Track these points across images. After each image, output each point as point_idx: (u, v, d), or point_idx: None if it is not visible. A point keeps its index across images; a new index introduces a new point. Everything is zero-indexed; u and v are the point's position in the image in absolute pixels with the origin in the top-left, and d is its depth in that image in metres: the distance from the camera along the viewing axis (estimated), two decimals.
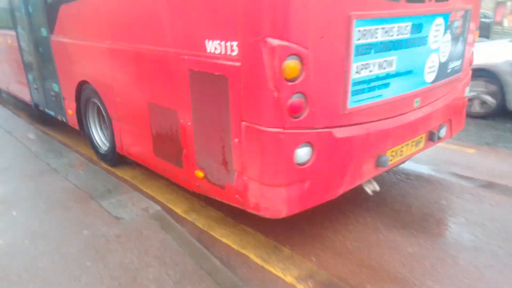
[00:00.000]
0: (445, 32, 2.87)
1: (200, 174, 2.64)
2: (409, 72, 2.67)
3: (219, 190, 2.58)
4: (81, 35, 3.63)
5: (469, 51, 3.38)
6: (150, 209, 2.94)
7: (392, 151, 2.78)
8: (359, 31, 2.21)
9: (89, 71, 3.69)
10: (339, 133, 2.33)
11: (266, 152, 2.20)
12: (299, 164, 2.21)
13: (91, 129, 4.05)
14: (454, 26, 2.99)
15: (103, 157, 3.95)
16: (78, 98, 4.01)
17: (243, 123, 2.22)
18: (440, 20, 2.77)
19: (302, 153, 2.20)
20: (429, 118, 3.01)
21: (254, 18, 2.03)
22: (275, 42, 1.97)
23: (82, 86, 3.85)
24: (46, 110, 4.92)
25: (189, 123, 2.60)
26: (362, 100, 2.39)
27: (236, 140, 2.28)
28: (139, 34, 2.87)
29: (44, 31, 4.23)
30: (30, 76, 5.04)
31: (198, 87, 2.45)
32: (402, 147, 2.87)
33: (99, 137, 4.03)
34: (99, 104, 3.74)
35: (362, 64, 2.31)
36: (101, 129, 4.01)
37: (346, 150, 2.42)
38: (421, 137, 3.03)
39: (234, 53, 2.15)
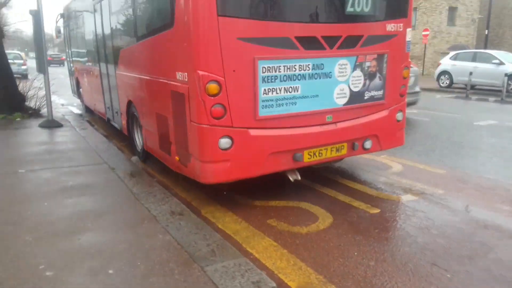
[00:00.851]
0: (353, 70, 4.08)
1: (177, 158, 4.12)
2: (316, 96, 3.93)
3: (185, 168, 4.01)
4: (128, 70, 5.55)
5: (396, 84, 4.48)
6: (263, 285, 2.57)
7: (309, 152, 4.02)
8: (263, 67, 3.57)
9: (131, 93, 5.55)
10: (253, 132, 3.69)
11: (200, 140, 3.61)
12: (222, 149, 3.58)
13: (134, 134, 5.87)
14: (366, 66, 4.16)
15: (139, 153, 5.75)
16: (127, 113, 5.87)
17: (191, 122, 3.66)
18: (344, 61, 4.00)
19: (224, 142, 3.57)
20: (346, 131, 4.17)
21: (192, 60, 3.51)
22: (201, 73, 3.44)
23: (129, 104, 5.70)
24: (112, 123, 7.13)
25: (172, 124, 4.11)
26: (272, 112, 3.72)
27: (189, 133, 3.72)
28: (149, 69, 4.70)
29: (112, 67, 6.31)
30: (105, 98, 7.24)
31: (174, 100, 3.99)
32: (320, 150, 4.09)
33: (138, 139, 5.75)
34: (136, 116, 5.50)
35: (268, 89, 3.65)
36: (138, 133, 5.72)
37: (260, 144, 3.73)
38: (342, 145, 4.22)
39: (186, 79, 3.66)
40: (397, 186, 4.64)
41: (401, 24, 4.39)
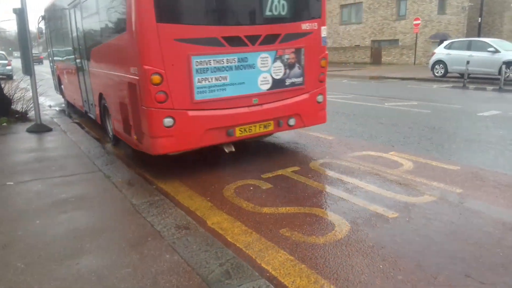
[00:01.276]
0: (273, 61, 5.01)
1: (135, 137, 4.93)
2: (242, 83, 4.85)
3: (141, 145, 4.85)
4: (97, 66, 6.37)
5: (315, 72, 5.46)
6: None
7: (240, 128, 4.95)
8: (196, 61, 4.48)
9: (101, 87, 6.35)
10: (191, 113, 4.57)
11: (149, 121, 4.46)
12: (166, 127, 4.45)
13: (105, 122, 6.69)
14: (285, 58, 5.09)
15: (110, 138, 6.63)
16: (99, 104, 6.66)
17: (141, 107, 4.51)
18: (265, 55, 4.94)
19: (167, 121, 4.43)
20: (271, 111, 5.11)
21: (139, 57, 4.34)
22: (146, 67, 4.29)
23: (100, 97, 6.49)
24: (89, 114, 7.94)
25: (130, 110, 4.92)
26: (205, 96, 4.62)
27: (141, 116, 4.55)
28: (112, 66, 5.47)
29: (86, 65, 7.13)
30: (82, 93, 8.06)
31: (130, 90, 4.78)
32: (250, 126, 5.02)
33: (109, 126, 6.54)
34: (106, 106, 6.26)
35: (201, 78, 4.56)
36: (108, 122, 6.49)
37: (198, 122, 4.62)
38: (269, 123, 5.16)
39: (136, 73, 4.47)
40: (412, 186, 4.40)
41: (316, 24, 5.38)
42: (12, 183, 4.50)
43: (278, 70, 5.13)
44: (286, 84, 5.25)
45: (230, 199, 4.22)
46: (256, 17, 4.98)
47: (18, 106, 8.88)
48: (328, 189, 4.38)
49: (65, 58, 9.36)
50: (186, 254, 2.88)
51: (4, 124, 8.08)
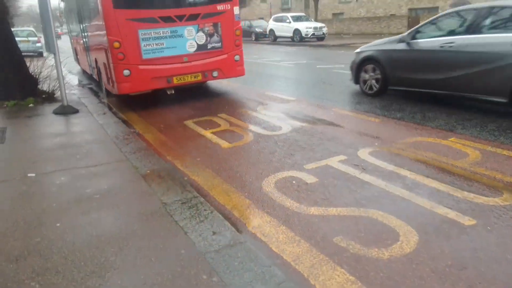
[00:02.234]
0: (197, 32, 7.29)
1: (111, 85, 7.49)
2: (175, 47, 7.18)
3: (113, 89, 7.41)
4: (91, 41, 9.08)
5: (231, 39, 7.71)
6: None
7: (176, 78, 7.31)
8: (142, 33, 6.88)
9: (95, 54, 8.82)
10: (141, 67, 7.01)
11: (115, 72, 6.98)
12: (125, 76, 6.94)
13: (100, 80, 9.01)
14: (206, 30, 7.35)
15: (103, 91, 8.95)
16: (96, 67, 9.11)
17: (111, 63, 7.08)
18: (190, 28, 7.22)
19: (125, 72, 6.92)
20: (198, 66, 7.45)
21: (106, 31, 6.85)
22: (110, 37, 6.81)
23: (96, 61, 8.93)
24: (93, 75, 10.47)
25: (108, 67, 7.32)
26: (149, 56, 7.01)
27: (112, 70, 7.02)
28: (98, 39, 7.88)
29: (87, 39, 9.81)
30: (88, 60, 10.60)
31: (106, 54, 7.25)
32: (183, 76, 7.37)
33: (101, 82, 8.82)
34: (99, 67, 8.65)
35: (146, 44, 6.96)
36: (101, 79, 8.77)
37: (146, 73, 7.05)
38: (197, 74, 7.51)
39: (106, 41, 6.98)
40: (485, 182, 3.74)
41: (229, 5, 7.61)
42: (34, 174, 4.15)
43: (201, 38, 7.49)
44: (208, 47, 7.62)
45: (271, 195, 3.72)
46: (182, 2, 7.34)
47: (45, 86, 8.60)
48: (384, 185, 3.78)
49: (76, 34, 12.28)
50: (227, 276, 2.39)
51: (31, 105, 7.82)
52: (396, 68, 7.09)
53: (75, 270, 2.49)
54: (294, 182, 3.98)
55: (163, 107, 7.83)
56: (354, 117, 6.27)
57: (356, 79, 7.96)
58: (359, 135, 5.38)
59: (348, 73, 8.65)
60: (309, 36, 25.39)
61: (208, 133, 5.79)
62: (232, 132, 5.79)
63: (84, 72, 13.29)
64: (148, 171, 4.15)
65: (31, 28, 29.07)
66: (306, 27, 25.59)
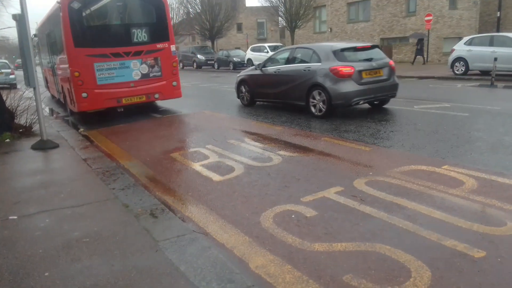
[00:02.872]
0: (141, 64, 9.64)
1: (73, 105, 9.74)
2: (123, 76, 9.46)
3: (74, 108, 9.66)
4: (59, 70, 11.06)
5: (169, 69, 10.10)
6: None
7: (125, 99, 9.56)
8: (96, 65, 9.16)
9: (61, 82, 10.99)
10: (96, 90, 9.21)
11: (75, 94, 9.23)
12: (83, 98, 9.15)
13: (65, 101, 10.96)
14: (148, 62, 9.72)
15: (68, 111, 11.07)
16: (62, 91, 11.24)
17: (72, 88, 9.36)
18: (135, 61, 9.57)
19: (84, 95, 9.11)
20: (142, 90, 9.70)
21: (69, 64, 9.18)
22: (72, 68, 9.07)
23: (62, 87, 11.02)
24: (60, 99, 12.29)
25: (71, 91, 9.48)
26: (103, 82, 9.23)
27: (73, 93, 9.31)
28: (62, 69, 10.34)
29: (54, 68, 12.08)
30: (56, 87, 12.66)
31: (68, 81, 9.56)
32: (130, 98, 9.59)
33: (67, 104, 10.79)
34: (64, 92, 10.80)
35: (100, 73, 9.22)
36: (67, 101, 10.71)
37: (100, 95, 9.21)
38: (142, 96, 9.75)
39: (69, 71, 9.25)
40: (487, 211, 3.71)
41: (166, 44, 9.96)
42: (15, 217, 3.87)
43: (144, 69, 9.73)
44: (150, 76, 9.85)
45: (271, 231, 3.56)
46: (128, 41, 9.55)
47: (22, 120, 8.28)
48: (386, 217, 3.70)
49: (46, 65, 14.68)
50: None
51: (7, 140, 7.47)
52: (255, 86, 10.65)
53: None
54: (293, 216, 3.85)
55: (146, 140, 7.64)
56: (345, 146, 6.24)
57: (238, 95, 11.50)
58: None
59: None
60: None
61: (197, 166, 5.62)
62: (221, 164, 5.65)
63: (53, 97, 15.53)
64: (140, 209, 3.93)
65: (4, 60, 28.51)
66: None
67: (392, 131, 7.05)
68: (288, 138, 7.00)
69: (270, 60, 10.44)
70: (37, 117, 7.16)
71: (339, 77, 8.16)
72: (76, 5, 8.90)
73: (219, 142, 6.99)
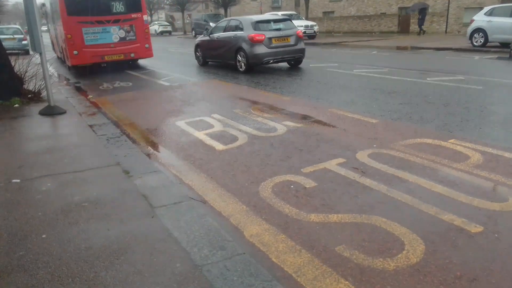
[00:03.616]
0: (119, 30, 12.62)
1: (68, 62, 13.17)
2: (105, 38, 12.47)
3: (69, 63, 12.90)
4: (59, 34, 14.44)
5: (142, 35, 13.01)
6: None
7: (107, 56, 12.57)
8: (85, 30, 12.16)
9: (61, 44, 14.15)
10: (84, 49, 12.20)
11: (69, 52, 12.34)
12: (75, 55, 12.21)
13: (64, 58, 14.03)
14: (125, 28, 12.70)
15: (67, 67, 14.08)
16: (61, 51, 14.68)
17: (66, 47, 12.51)
18: (115, 27, 12.55)
19: (75, 52, 12.19)
20: (120, 50, 12.68)
21: (63, 28, 12.31)
22: (66, 32, 12.13)
23: (61, 47, 14.21)
24: (61, 58, 15.43)
25: (66, 50, 12.67)
26: (89, 43, 12.26)
27: (68, 51, 12.41)
28: (61, 33, 13.29)
29: (57, 33, 15.01)
30: (58, 47, 15.68)
31: (64, 42, 12.66)
32: (111, 56, 12.63)
33: (66, 61, 13.87)
34: (63, 51, 14.01)
35: (87, 37, 12.24)
36: (65, 58, 13.88)
37: (87, 53, 12.25)
38: (120, 55, 12.75)
39: (65, 34, 12.32)
40: (489, 186, 3.64)
41: (140, 14, 12.73)
42: (18, 180, 3.93)
43: (122, 33, 12.51)
44: (127, 39, 12.62)
45: (269, 200, 3.57)
46: (109, 12, 12.26)
47: (30, 85, 8.33)
48: (385, 190, 3.66)
49: (52, 30, 17.40)
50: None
51: (16, 105, 7.55)
52: (205, 50, 13.52)
53: (61, 287, 2.31)
54: (292, 186, 3.83)
55: (155, 108, 7.63)
56: (350, 118, 6.16)
57: (195, 56, 14.42)
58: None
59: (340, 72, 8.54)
60: None
61: (201, 135, 5.61)
62: (226, 133, 5.62)
63: (58, 58, 17.80)
64: (140, 176, 3.96)
65: (17, 26, 28.48)
66: (297, 25, 25.47)
67: (401, 104, 6.89)
68: (294, 108, 6.92)
69: (215, 28, 13.18)
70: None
71: (253, 42, 11.07)
72: None
73: (224, 111, 6.94)
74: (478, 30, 15.47)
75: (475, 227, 2.99)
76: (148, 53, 13.38)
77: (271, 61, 11.34)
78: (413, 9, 26.68)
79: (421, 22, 25.10)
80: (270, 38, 11.08)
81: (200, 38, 14.05)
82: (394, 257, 2.69)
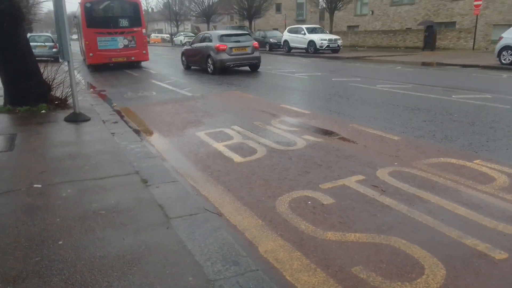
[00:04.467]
0: (124, 39, 17.76)
1: (86, 60, 18.53)
2: (113, 45, 17.58)
3: (86, 62, 18.64)
4: (82, 43, 20.09)
5: (141, 43, 18.22)
6: None
7: (114, 58, 17.63)
8: (99, 39, 17.26)
9: (83, 48, 19.17)
10: (98, 52, 17.32)
11: (86, 54, 17.90)
12: (90, 56, 17.39)
13: (84, 58, 19.60)
14: (128, 38, 17.83)
15: (87, 66, 18.68)
16: (83, 53, 21.04)
17: (85, 50, 17.97)
18: (120, 37, 17.71)
19: (91, 54, 17.37)
20: (124, 55, 17.78)
21: (84, 37, 17.92)
22: (84, 39, 17.58)
23: (83, 50, 19.46)
24: (83, 58, 21.05)
25: (86, 52, 18.07)
26: (101, 48, 17.35)
27: (87, 53, 17.76)
28: (83, 41, 18.81)
29: (82, 41, 19.44)
30: (82, 51, 21.11)
31: (85, 47, 17.97)
32: (117, 58, 17.69)
33: (84, 59, 19.71)
34: (84, 53, 19.64)
35: (100, 43, 17.32)
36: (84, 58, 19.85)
37: (100, 55, 17.37)
38: (124, 58, 17.81)
39: (84, 41, 17.96)
40: None
41: (140, 28, 17.90)
42: (40, 185, 4.01)
43: (125, 42, 17.49)
44: (129, 46, 17.57)
45: (285, 216, 3.52)
46: (117, 26, 17.26)
47: (58, 92, 8.56)
48: (406, 210, 3.56)
49: (80, 38, 21.68)
50: None
51: (43, 111, 7.76)
52: (188, 56, 17.15)
53: None
54: (309, 202, 3.77)
55: (174, 117, 7.71)
56: (371, 134, 6.06)
57: (181, 62, 18.06)
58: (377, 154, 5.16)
59: (364, 86, 8.46)
60: (323, 48, 25.28)
61: (220, 146, 5.62)
62: (245, 145, 5.62)
63: (83, 60, 20.84)
64: (157, 186, 3.98)
65: (48, 34, 29.52)
66: (321, 39, 25.50)
67: (425, 121, 6.74)
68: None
69: (196, 39, 17.04)
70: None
71: (218, 51, 14.42)
72: (88, 4, 16.87)
73: (245, 123, 6.95)
74: (507, 47, 15.11)
75: (500, 253, 2.86)
76: (145, 57, 18.41)
77: (232, 65, 14.73)
78: (420, 25, 28.51)
79: (428, 39, 26.94)
80: (231, 48, 14.47)
81: (185, 47, 18.16)
82: (413, 281, 2.59)
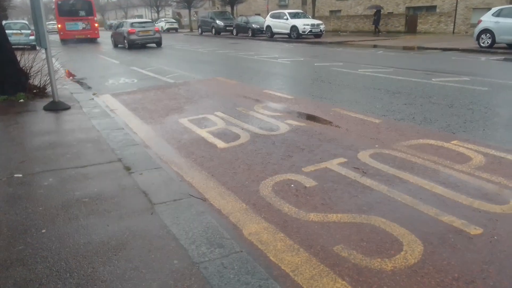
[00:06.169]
0: (82, 24, 29.99)
1: (60, 36, 30.60)
2: (76, 27, 29.83)
3: (59, 37, 32.00)
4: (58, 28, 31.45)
5: (94, 27, 30.33)
6: None
7: (77, 36, 29.53)
8: (67, 24, 29.54)
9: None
10: (66, 31, 29.36)
11: (59, 34, 30.55)
12: (61, 35, 29.65)
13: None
14: (85, 23, 30.11)
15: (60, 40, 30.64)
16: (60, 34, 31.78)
17: (59, 31, 30.57)
18: (80, 23, 29.93)
19: (61, 34, 29.68)
20: (83, 33, 29.64)
21: (57, 22, 30.77)
22: (57, 23, 30.67)
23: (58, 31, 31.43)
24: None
25: (59, 32, 30.47)
26: (68, 29, 29.93)
27: (59, 33, 30.80)
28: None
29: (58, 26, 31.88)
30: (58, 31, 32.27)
31: (59, 30, 30.27)
32: (79, 36, 29.45)
33: (59, 37, 31.06)
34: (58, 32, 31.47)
35: (67, 26, 29.35)
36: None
37: (68, 34, 29.48)
38: (82, 35, 29.50)
39: (56, 25, 30.76)
40: (491, 189, 3.62)
41: (92, 17, 30.03)
42: (21, 175, 3.97)
43: (83, 25, 29.36)
44: (86, 28, 29.44)
45: (269, 199, 3.57)
46: (78, 16, 29.15)
47: (36, 80, 8.37)
48: (386, 190, 3.65)
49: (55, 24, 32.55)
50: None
51: (21, 100, 7.60)
52: (115, 37, 25.03)
53: (59, 282, 2.33)
54: (292, 185, 3.83)
55: (157, 104, 7.66)
56: (353, 117, 6.14)
57: (111, 41, 26.06)
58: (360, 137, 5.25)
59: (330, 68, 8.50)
60: (306, 33, 25.24)
61: (203, 132, 5.63)
62: (228, 131, 5.63)
63: (60, 39, 29.23)
64: (141, 173, 3.98)
65: (25, 21, 28.82)
66: (304, 24, 25.44)
67: (405, 104, 6.86)
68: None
69: (118, 25, 24.99)
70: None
71: (129, 33, 22.29)
72: (59, 2, 28.01)
73: (228, 109, 6.95)
74: (486, 31, 15.36)
75: (475, 229, 2.97)
76: (97, 36, 29.81)
77: (139, 43, 22.69)
78: (370, 9, 30.48)
79: (376, 22, 28.35)
80: (138, 31, 22.49)
81: (113, 31, 26.46)
82: (392, 257, 2.68)
